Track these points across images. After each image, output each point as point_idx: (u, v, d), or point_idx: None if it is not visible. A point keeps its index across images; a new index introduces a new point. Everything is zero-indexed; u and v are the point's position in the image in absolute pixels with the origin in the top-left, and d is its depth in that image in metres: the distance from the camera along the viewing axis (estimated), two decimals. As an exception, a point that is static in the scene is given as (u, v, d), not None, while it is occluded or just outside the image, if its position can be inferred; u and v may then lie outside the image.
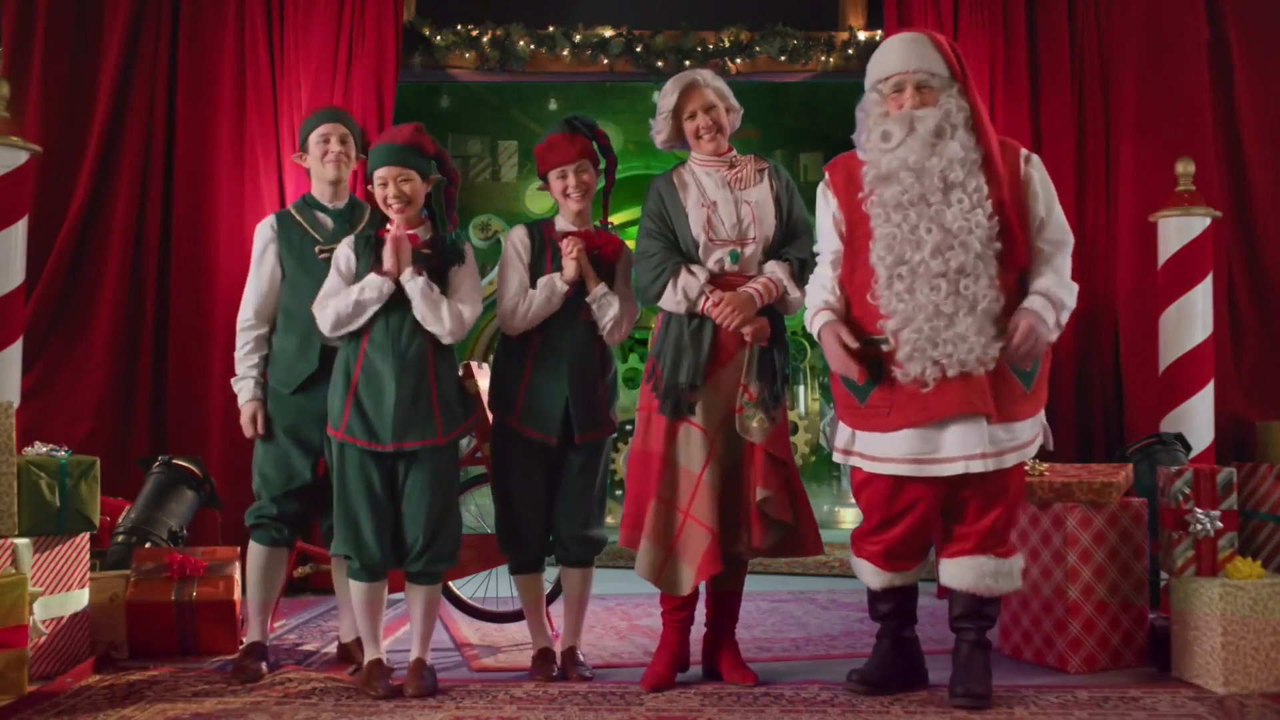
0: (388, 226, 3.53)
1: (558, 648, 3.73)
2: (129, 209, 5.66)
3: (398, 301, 3.45)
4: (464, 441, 3.86)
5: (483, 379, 4.07)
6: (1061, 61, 5.88)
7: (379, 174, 3.49)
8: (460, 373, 3.68)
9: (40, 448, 3.93)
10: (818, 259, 3.48)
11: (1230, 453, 5.54)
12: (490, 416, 3.83)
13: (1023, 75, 5.85)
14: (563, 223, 3.69)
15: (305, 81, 5.67)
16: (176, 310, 5.67)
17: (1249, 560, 3.56)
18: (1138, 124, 5.75)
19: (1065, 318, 3.29)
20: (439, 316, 3.44)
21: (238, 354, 3.79)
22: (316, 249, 3.76)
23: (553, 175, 3.64)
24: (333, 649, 4.11)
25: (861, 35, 6.03)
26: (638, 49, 5.97)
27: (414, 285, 3.43)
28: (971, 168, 3.21)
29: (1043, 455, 3.72)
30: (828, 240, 3.42)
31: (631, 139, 8.39)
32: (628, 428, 6.47)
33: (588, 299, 3.60)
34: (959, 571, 3.34)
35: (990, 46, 5.81)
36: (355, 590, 3.49)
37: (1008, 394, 3.24)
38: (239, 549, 4.22)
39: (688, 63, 5.85)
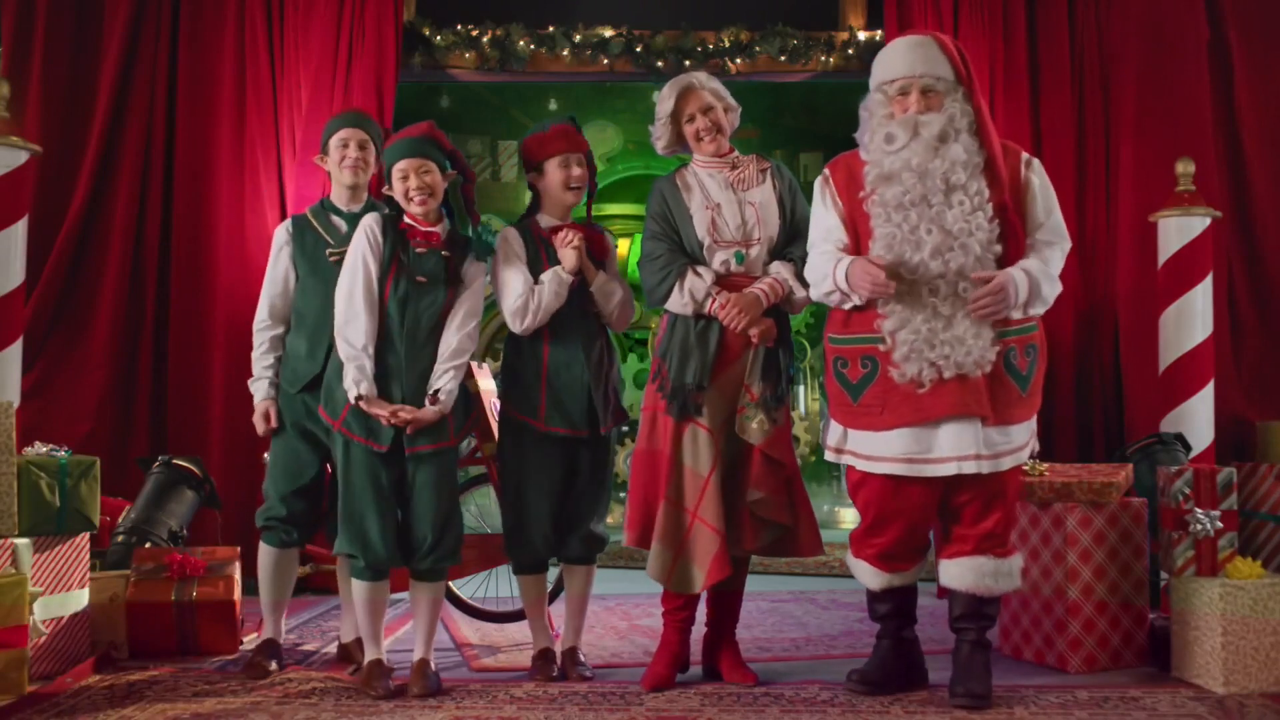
0: (407, 220, 3.51)
1: (558, 648, 3.73)
2: (129, 209, 5.66)
3: (413, 302, 3.45)
4: (464, 442, 3.87)
5: (483, 379, 4.07)
6: (1061, 61, 5.87)
7: (399, 167, 3.48)
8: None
9: (40, 448, 3.93)
10: (810, 253, 3.42)
11: (1230, 453, 5.53)
12: (490, 417, 3.83)
13: (1023, 75, 5.84)
14: (547, 219, 3.67)
15: (305, 81, 5.67)
16: (176, 310, 5.67)
17: (1249, 560, 3.56)
18: (1138, 124, 5.74)
19: (1038, 308, 3.25)
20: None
21: (254, 354, 3.84)
22: (327, 252, 3.77)
23: (554, 163, 3.61)
24: (333, 649, 4.11)
25: (861, 35, 6.03)
26: (638, 49, 5.97)
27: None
28: (974, 171, 3.20)
29: (1040, 456, 3.72)
30: (829, 234, 3.38)
31: (631, 139, 8.39)
32: (626, 428, 6.48)
33: (591, 288, 3.60)
34: (958, 572, 3.34)
35: (990, 47, 5.80)
36: (358, 589, 3.49)
37: (1004, 397, 3.24)
38: (239, 549, 4.24)
39: (688, 63, 5.86)
